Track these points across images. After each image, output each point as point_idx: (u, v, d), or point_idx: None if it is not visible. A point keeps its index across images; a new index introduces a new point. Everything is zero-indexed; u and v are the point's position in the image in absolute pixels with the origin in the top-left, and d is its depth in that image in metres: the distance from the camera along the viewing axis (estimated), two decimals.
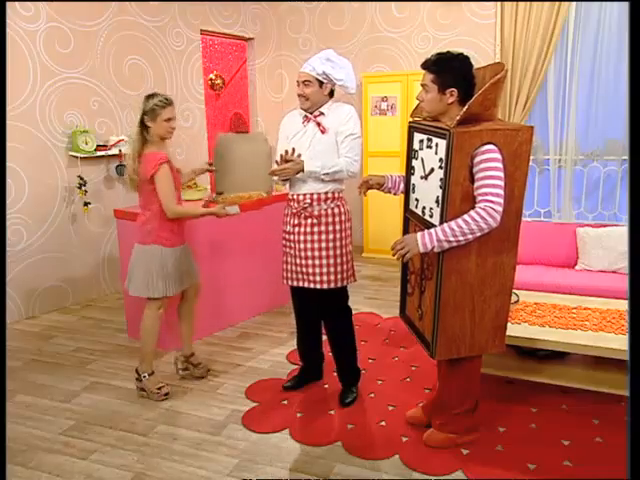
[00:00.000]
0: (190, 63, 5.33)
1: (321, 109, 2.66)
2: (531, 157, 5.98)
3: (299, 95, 2.66)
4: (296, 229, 2.72)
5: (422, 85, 2.19)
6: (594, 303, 3.10)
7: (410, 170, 2.42)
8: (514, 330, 2.74)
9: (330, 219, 2.68)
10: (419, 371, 3.15)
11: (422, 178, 2.27)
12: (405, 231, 2.51)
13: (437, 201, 2.13)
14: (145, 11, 4.82)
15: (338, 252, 2.70)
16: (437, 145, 2.12)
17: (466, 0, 5.27)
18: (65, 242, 4.41)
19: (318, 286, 2.70)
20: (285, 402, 2.87)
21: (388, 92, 5.48)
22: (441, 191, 2.08)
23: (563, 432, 2.54)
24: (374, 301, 4.34)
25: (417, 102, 2.32)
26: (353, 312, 2.89)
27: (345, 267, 2.73)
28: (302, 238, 2.70)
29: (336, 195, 2.70)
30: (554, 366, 2.84)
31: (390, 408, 2.78)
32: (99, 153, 4.42)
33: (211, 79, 6.36)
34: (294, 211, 2.73)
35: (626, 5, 4.58)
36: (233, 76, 6.52)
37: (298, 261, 2.73)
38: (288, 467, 2.36)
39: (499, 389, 2.90)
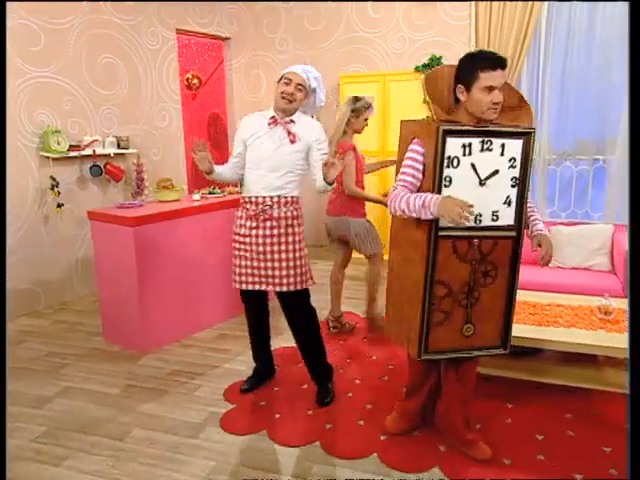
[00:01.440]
0: (165, 62, 5.27)
1: (292, 116, 2.67)
2: None
3: (288, 94, 2.59)
4: (254, 232, 2.69)
5: (499, 86, 2.04)
6: (567, 300, 3.17)
7: (443, 181, 2.07)
8: None
9: (290, 222, 2.70)
10: (396, 370, 3.17)
11: (481, 185, 2.11)
12: (434, 258, 2.11)
13: (506, 202, 2.13)
14: (119, 10, 4.74)
15: (297, 255, 2.72)
16: (503, 146, 2.08)
17: (441, 0, 5.32)
18: (37, 244, 4.31)
19: (284, 288, 2.70)
20: (263, 403, 2.86)
21: (365, 92, 5.45)
22: (514, 190, 2.13)
23: (537, 427, 2.58)
24: (352, 301, 4.34)
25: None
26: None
27: (305, 269, 2.76)
28: (261, 241, 2.68)
29: (294, 199, 2.73)
30: (529, 362, 2.88)
31: (368, 407, 2.79)
32: (72, 153, 4.35)
33: (187, 79, 6.31)
34: (251, 213, 2.70)
35: (595, 5, 4.68)
36: (210, 76, 6.47)
37: (256, 264, 2.72)
38: (266, 468, 2.35)
39: (475, 386, 2.93)
